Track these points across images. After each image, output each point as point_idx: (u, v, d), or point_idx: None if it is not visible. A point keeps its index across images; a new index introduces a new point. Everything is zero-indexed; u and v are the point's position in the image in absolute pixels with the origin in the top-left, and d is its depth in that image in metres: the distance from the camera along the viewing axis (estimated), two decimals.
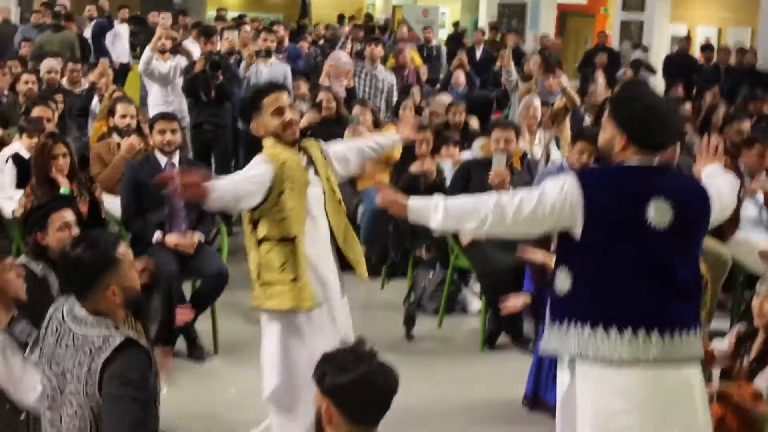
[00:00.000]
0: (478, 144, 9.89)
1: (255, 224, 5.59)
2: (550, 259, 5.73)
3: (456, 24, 26.75)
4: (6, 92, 11.09)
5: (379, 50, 12.71)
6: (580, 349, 4.24)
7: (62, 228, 5.53)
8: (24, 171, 7.75)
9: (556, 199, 4.22)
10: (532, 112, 10.52)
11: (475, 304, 8.93)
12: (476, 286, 9.04)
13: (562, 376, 4.51)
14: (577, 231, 4.24)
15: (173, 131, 7.57)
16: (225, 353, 7.52)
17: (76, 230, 5.63)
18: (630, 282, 4.25)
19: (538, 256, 6.20)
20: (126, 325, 3.93)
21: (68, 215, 5.62)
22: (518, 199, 4.35)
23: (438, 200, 4.48)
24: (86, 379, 3.70)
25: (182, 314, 5.70)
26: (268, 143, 5.63)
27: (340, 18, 23.77)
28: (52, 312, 4.01)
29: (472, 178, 8.25)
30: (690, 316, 4.35)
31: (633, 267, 4.26)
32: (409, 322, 8.22)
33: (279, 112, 5.55)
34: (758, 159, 8.95)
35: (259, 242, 5.60)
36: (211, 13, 22.91)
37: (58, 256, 4.09)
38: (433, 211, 4.43)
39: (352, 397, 3.38)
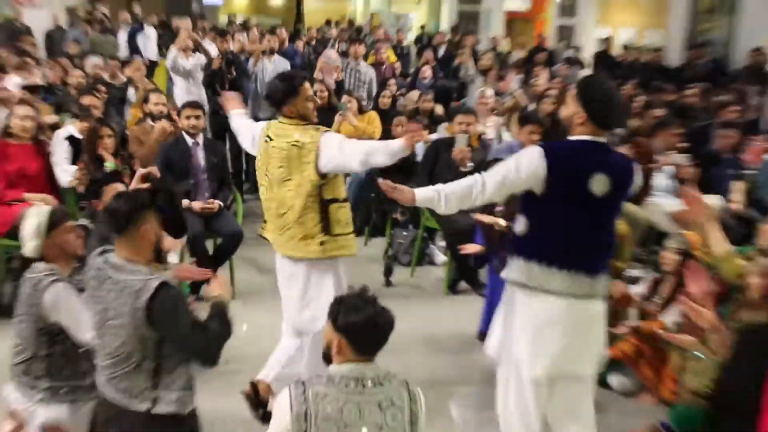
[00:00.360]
0: (443, 127, 10.10)
1: (321, 188, 5.46)
2: (495, 220, 6.36)
3: (422, 27, 26.72)
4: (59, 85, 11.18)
5: (361, 49, 12.87)
6: (528, 279, 4.61)
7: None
8: (76, 149, 7.85)
9: (527, 167, 4.51)
10: (486, 100, 10.78)
11: (440, 257, 9.28)
12: (441, 243, 9.31)
13: (510, 297, 4.87)
14: (539, 190, 4.53)
15: (197, 117, 7.82)
16: (240, 298, 7.59)
17: None
18: (571, 234, 4.59)
19: (486, 218, 6.50)
20: (154, 267, 4.11)
21: (118, 187, 5.83)
22: (493, 175, 4.67)
23: (439, 190, 4.75)
24: (132, 313, 3.85)
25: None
26: (305, 125, 5.54)
27: (327, 22, 23.73)
28: (93, 257, 4.14)
29: (439, 154, 8.47)
30: (606, 266, 4.78)
31: (574, 223, 4.58)
32: (388, 272, 8.52)
33: (311, 98, 5.65)
34: (669, 138, 9.23)
35: (328, 203, 5.53)
36: (223, 17, 22.86)
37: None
38: (437, 201, 4.73)
39: (359, 333, 3.61)
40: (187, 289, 7.22)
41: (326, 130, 5.56)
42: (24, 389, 4.71)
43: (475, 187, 4.68)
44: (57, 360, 4.64)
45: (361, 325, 3.60)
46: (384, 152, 5.38)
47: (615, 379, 6.27)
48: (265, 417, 5.24)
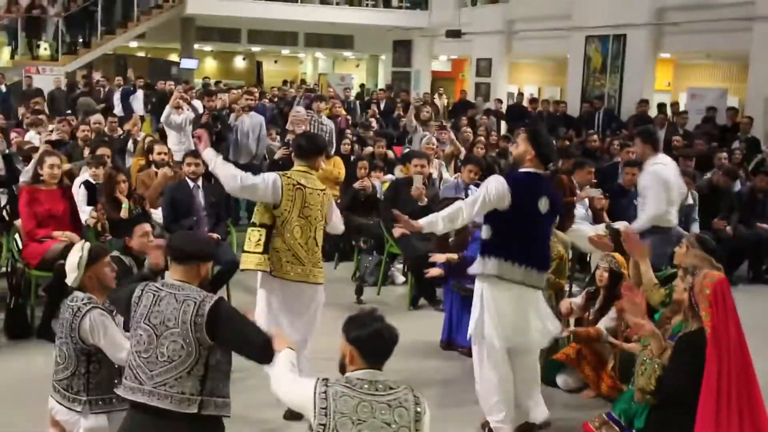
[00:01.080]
0: (398, 168, 10.03)
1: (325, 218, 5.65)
2: (449, 256, 6.80)
3: (362, 86, 26.82)
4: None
5: (323, 105, 12.81)
6: (494, 271, 5.15)
7: (143, 236, 5.65)
8: (91, 192, 7.66)
9: (496, 193, 5.07)
10: (431, 147, 10.70)
11: (400, 278, 9.17)
12: (399, 266, 9.22)
13: (478, 286, 5.34)
14: (502, 208, 5.11)
15: (197, 165, 7.62)
16: None
17: (152, 238, 5.70)
18: (526, 239, 5.22)
19: (441, 257, 6.91)
20: None
21: (146, 227, 5.73)
22: (473, 200, 5.26)
23: (436, 216, 5.34)
24: (194, 320, 3.81)
25: None
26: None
27: (284, 82, 23.70)
28: (143, 287, 4.05)
29: (399, 191, 8.39)
30: (548, 264, 5.57)
31: (528, 232, 5.22)
32: (359, 291, 8.33)
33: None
34: (585, 176, 9.23)
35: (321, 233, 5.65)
36: (197, 80, 22.62)
37: (183, 235, 4.36)
38: (436, 225, 5.31)
39: (367, 345, 3.54)
40: None
41: None
42: (67, 402, 4.59)
43: (460, 210, 5.21)
44: (95, 376, 4.57)
45: (368, 338, 3.55)
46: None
47: (560, 379, 6.22)
48: None
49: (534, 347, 5.47)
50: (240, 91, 15.96)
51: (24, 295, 6.82)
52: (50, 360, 6.13)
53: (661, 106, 16.37)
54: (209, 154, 5.46)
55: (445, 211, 5.32)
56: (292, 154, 5.95)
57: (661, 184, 7.26)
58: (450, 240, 7.00)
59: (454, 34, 22.39)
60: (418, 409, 3.51)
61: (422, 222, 5.34)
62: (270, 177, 5.43)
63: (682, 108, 16.27)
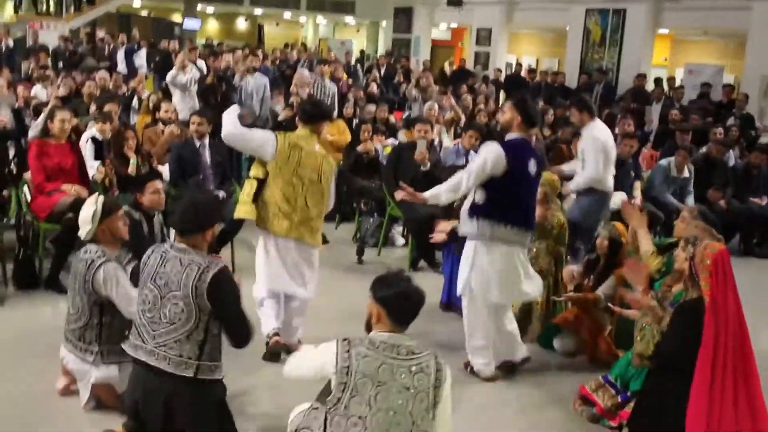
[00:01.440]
0: (402, 132, 10.00)
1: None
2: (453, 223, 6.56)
3: (362, 51, 26.66)
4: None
5: (326, 68, 12.76)
6: (489, 233, 5.37)
7: (154, 192, 5.62)
8: (98, 148, 7.63)
9: (493, 160, 5.26)
10: (433, 113, 10.67)
11: (400, 240, 9.14)
12: (399, 229, 9.19)
13: (470, 246, 5.57)
14: (498, 174, 5.29)
15: (201, 124, 7.62)
16: (239, 271, 7.29)
17: (163, 195, 5.68)
18: (519, 201, 5.44)
19: (447, 226, 6.72)
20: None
21: (158, 184, 5.69)
22: (472, 170, 5.40)
23: (440, 188, 5.59)
24: (195, 286, 3.84)
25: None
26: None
27: (286, 45, 23.45)
28: (153, 248, 4.10)
29: (401, 156, 8.35)
30: (534, 223, 5.76)
31: (521, 193, 5.45)
32: (360, 252, 8.31)
33: None
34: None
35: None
36: (200, 41, 22.40)
37: (186, 208, 4.03)
38: (439, 197, 5.60)
39: (393, 305, 3.56)
40: None
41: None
42: (79, 352, 4.64)
43: (461, 180, 5.41)
44: (107, 328, 4.61)
45: (395, 298, 3.57)
46: None
47: (557, 342, 6.20)
48: None
49: (517, 302, 6.09)
50: (243, 51, 15.84)
51: (32, 247, 6.79)
52: (57, 310, 6.21)
53: (658, 81, 16.28)
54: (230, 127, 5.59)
55: (446, 183, 5.55)
56: (297, 118, 5.96)
57: (600, 148, 7.36)
58: (455, 205, 6.96)
59: (456, 2, 22.27)
60: (439, 376, 3.52)
61: (426, 194, 5.62)
62: (267, 134, 5.64)
63: (678, 83, 16.20)
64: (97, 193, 4.80)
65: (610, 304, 5.53)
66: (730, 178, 9.95)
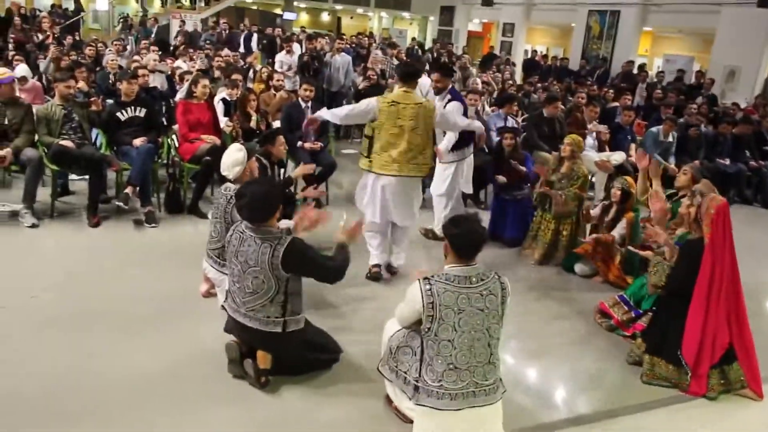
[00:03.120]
0: None
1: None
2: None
3: (413, 39, 25.83)
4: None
5: (395, 51, 12.23)
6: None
7: (280, 144, 5.25)
8: (227, 107, 7.28)
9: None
10: (477, 86, 10.13)
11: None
12: None
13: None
14: None
15: (311, 90, 7.16)
16: (334, 206, 7.07)
17: (286, 146, 5.34)
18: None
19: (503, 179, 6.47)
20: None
21: (281, 138, 5.30)
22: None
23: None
24: (271, 261, 3.42)
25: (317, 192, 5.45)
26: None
27: (359, 33, 22.71)
28: (234, 228, 3.65)
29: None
30: None
31: None
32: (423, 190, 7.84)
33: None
34: (591, 113, 8.73)
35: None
36: (295, 28, 21.79)
37: (253, 201, 3.48)
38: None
39: (456, 240, 3.19)
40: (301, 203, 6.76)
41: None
42: (218, 266, 4.38)
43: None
44: None
45: (458, 236, 3.19)
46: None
47: (578, 267, 5.83)
48: None
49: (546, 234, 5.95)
50: (327, 38, 15.34)
51: (179, 182, 6.54)
52: (197, 230, 6.02)
53: (642, 66, 15.48)
54: (326, 113, 5.35)
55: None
56: (396, 77, 5.57)
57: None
58: (505, 158, 6.55)
59: (488, 3, 21.33)
60: (504, 294, 3.18)
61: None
62: (369, 101, 5.08)
63: (657, 70, 15.45)
64: (238, 143, 4.45)
65: (630, 247, 5.00)
66: (703, 143, 9.36)
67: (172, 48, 12.28)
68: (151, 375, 3.63)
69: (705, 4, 14.00)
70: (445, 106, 5.77)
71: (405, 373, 3.23)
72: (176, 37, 14.95)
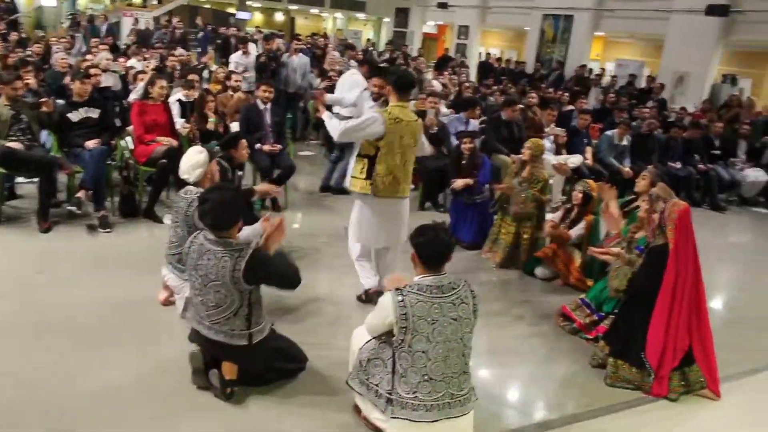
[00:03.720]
0: (412, 103, 9.48)
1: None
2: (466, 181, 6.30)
3: (368, 40, 25.78)
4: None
5: (353, 52, 12.18)
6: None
7: (243, 148, 5.14)
8: (183, 108, 7.12)
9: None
10: (433, 88, 10.20)
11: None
12: None
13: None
14: None
15: (269, 91, 7.02)
16: (292, 208, 7.05)
17: (248, 150, 5.23)
18: None
19: (461, 183, 6.41)
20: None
21: (244, 142, 5.19)
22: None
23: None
24: (232, 275, 3.29)
25: (275, 191, 5.31)
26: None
27: (313, 34, 22.54)
28: (192, 239, 3.50)
29: None
30: None
31: None
32: None
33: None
34: (549, 116, 8.83)
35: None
36: (249, 29, 21.50)
37: (217, 208, 3.34)
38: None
39: (425, 250, 3.16)
40: (259, 204, 6.65)
41: None
42: (178, 272, 4.26)
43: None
44: None
45: (424, 245, 3.15)
46: None
47: (538, 271, 5.89)
48: None
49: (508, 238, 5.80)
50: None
51: (133, 185, 6.36)
52: (153, 234, 5.86)
53: (590, 71, 15.76)
54: (326, 115, 4.78)
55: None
56: (391, 89, 4.65)
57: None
58: (463, 163, 6.55)
59: (443, 5, 21.49)
60: (475, 302, 3.18)
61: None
62: (372, 115, 4.56)
63: (608, 75, 15.74)
64: (200, 145, 4.32)
65: (595, 251, 4.97)
66: (656, 147, 9.58)
67: (124, 47, 11.94)
68: (114, 388, 3.50)
69: (655, 11, 14.33)
70: None
71: (377, 385, 3.18)
72: (129, 35, 14.57)
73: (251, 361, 3.49)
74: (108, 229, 5.76)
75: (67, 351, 3.82)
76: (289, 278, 3.46)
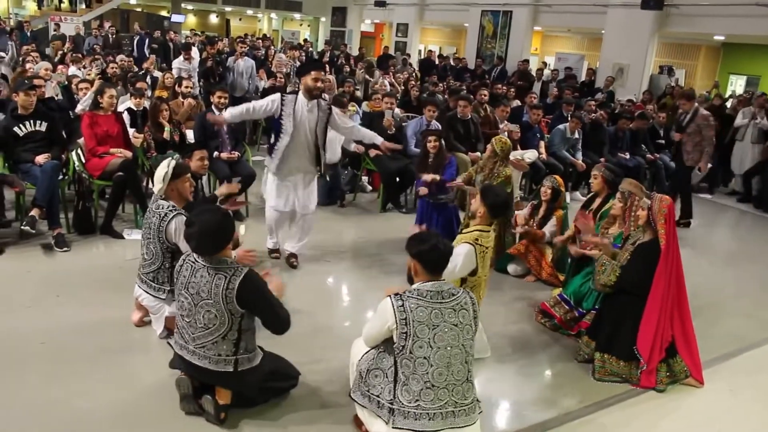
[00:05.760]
0: (365, 104, 9.39)
1: None
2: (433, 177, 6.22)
3: (305, 40, 25.53)
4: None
5: (298, 53, 12.05)
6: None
7: (200, 159, 4.97)
8: (133, 118, 6.84)
9: None
10: (383, 88, 10.13)
11: (368, 187, 8.55)
12: (365, 178, 8.57)
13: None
14: None
15: (224, 97, 6.79)
16: (254, 216, 6.84)
17: (207, 162, 5.04)
18: None
19: (428, 177, 6.33)
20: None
21: (203, 153, 5.03)
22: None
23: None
24: (225, 294, 3.16)
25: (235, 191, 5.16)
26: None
27: (246, 35, 22.00)
28: (184, 257, 3.36)
29: (373, 123, 7.58)
30: None
31: None
32: (342, 197, 7.75)
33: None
34: (502, 113, 8.93)
35: None
36: (184, 31, 20.99)
37: (203, 232, 3.18)
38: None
39: (427, 257, 3.11)
40: None
41: None
42: (153, 291, 4.06)
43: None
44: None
45: (428, 252, 3.10)
46: None
47: (510, 267, 5.90)
48: None
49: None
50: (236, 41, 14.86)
51: (89, 200, 6.05)
52: (112, 251, 5.60)
53: (525, 66, 15.94)
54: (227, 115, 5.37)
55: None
56: (484, 212, 4.11)
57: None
58: (429, 161, 6.49)
59: (381, 4, 21.44)
60: (475, 308, 3.13)
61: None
62: (273, 97, 5.21)
63: (548, 69, 15.97)
64: (170, 158, 4.11)
65: (577, 247, 4.96)
66: (606, 139, 9.77)
67: (59, 55, 11.42)
68: (94, 420, 3.29)
69: (593, 5, 14.63)
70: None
71: (378, 396, 3.09)
72: (52, 41, 13.95)
73: (242, 385, 3.35)
74: (65, 248, 5.47)
75: (36, 384, 3.57)
76: (278, 316, 3.30)
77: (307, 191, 5.44)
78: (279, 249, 5.70)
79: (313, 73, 5.13)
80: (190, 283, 3.25)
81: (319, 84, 5.12)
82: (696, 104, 8.22)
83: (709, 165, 8.43)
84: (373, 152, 5.94)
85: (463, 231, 4.26)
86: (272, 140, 5.27)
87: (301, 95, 5.18)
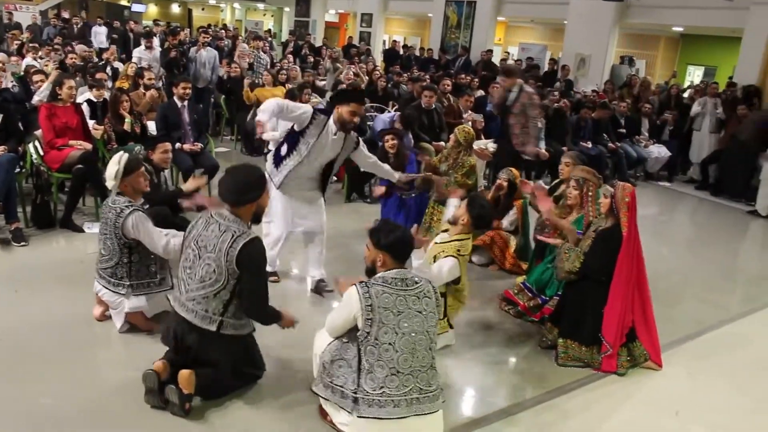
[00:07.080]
0: (327, 95, 9.36)
1: None
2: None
3: (268, 31, 25.30)
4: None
5: (261, 43, 11.90)
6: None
7: (163, 152, 4.92)
8: (93, 109, 6.72)
9: None
10: (349, 79, 10.08)
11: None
12: None
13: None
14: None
15: (187, 88, 6.72)
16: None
17: (170, 155, 4.97)
18: None
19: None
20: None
21: (167, 146, 4.96)
22: None
23: None
24: (227, 251, 3.20)
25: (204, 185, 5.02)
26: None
27: (208, 25, 21.72)
28: (203, 213, 3.44)
29: None
30: None
31: None
32: None
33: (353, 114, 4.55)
34: (466, 102, 8.96)
35: None
36: (146, 21, 20.63)
37: (232, 182, 3.28)
38: None
39: (396, 247, 3.15)
40: None
41: None
42: (112, 287, 4.02)
43: None
44: (135, 265, 3.99)
45: (396, 242, 3.14)
46: None
47: (474, 257, 5.92)
48: None
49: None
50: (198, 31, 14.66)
51: (47, 193, 5.93)
52: (72, 246, 5.51)
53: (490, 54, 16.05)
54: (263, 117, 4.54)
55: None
56: (470, 226, 4.18)
57: None
58: (390, 163, 6.47)
59: None
60: (438, 296, 3.19)
61: None
62: (307, 108, 4.57)
63: (512, 58, 16.07)
64: (122, 152, 4.03)
65: (540, 237, 5.03)
66: (568, 128, 9.89)
67: (17, 45, 11.11)
68: (60, 418, 3.23)
69: None
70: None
71: (341, 387, 3.10)
72: (6, 30, 13.59)
73: (219, 352, 3.35)
74: (23, 242, 5.35)
75: (1, 382, 3.50)
76: (262, 302, 3.34)
77: (314, 208, 4.99)
78: (277, 272, 5.22)
79: (352, 105, 4.54)
80: (201, 235, 3.32)
81: (356, 119, 4.59)
82: (520, 81, 7.43)
83: (544, 149, 7.95)
84: (378, 191, 5.76)
85: (442, 241, 4.21)
86: (282, 151, 4.70)
87: (330, 122, 4.60)
